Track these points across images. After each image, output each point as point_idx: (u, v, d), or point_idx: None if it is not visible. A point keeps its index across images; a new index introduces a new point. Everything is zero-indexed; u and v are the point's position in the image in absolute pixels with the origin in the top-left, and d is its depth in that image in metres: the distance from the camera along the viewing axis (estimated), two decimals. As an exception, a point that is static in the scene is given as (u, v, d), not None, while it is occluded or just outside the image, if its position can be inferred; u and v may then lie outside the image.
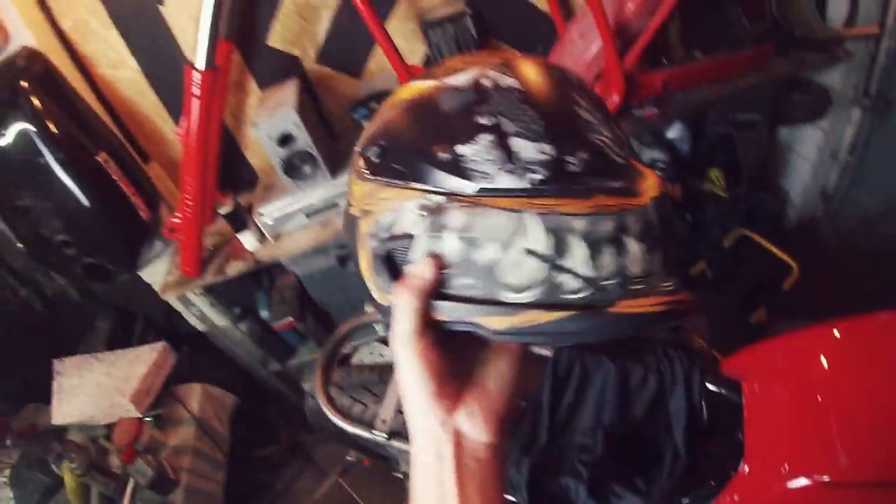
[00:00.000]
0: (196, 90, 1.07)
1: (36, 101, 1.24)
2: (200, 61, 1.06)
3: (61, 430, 1.56)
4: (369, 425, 1.01)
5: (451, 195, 0.39)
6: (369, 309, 1.55)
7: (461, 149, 0.39)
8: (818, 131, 1.79)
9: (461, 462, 0.40)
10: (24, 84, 1.24)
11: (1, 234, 1.56)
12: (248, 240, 1.31)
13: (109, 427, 1.56)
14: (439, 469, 0.40)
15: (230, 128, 1.45)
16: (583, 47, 1.20)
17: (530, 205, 0.37)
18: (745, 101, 1.57)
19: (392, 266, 0.42)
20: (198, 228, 1.25)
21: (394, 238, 0.42)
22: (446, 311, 0.40)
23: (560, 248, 0.37)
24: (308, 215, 1.36)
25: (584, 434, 0.98)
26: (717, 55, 1.32)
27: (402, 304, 0.40)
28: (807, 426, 0.83)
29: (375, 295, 0.45)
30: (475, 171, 0.39)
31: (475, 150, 0.39)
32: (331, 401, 0.99)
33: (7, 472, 1.54)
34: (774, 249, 1.63)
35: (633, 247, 0.38)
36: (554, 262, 0.37)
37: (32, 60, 1.27)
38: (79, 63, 1.35)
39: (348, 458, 1.69)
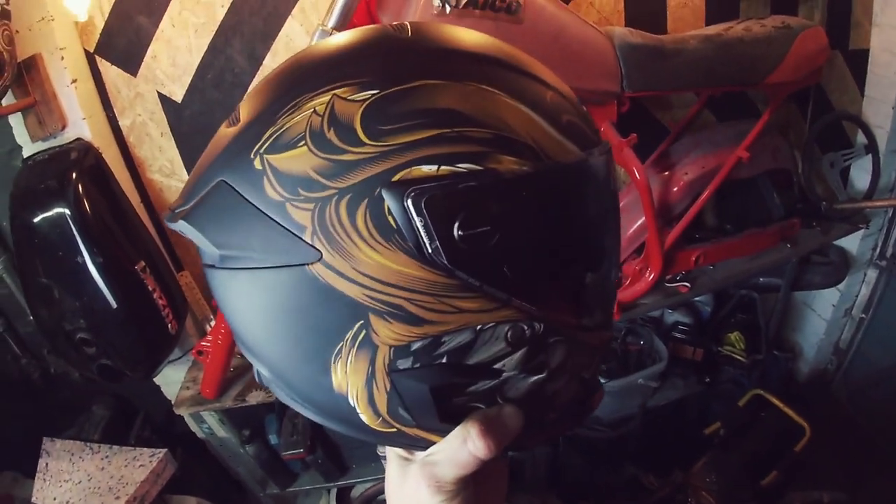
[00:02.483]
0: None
1: (83, 196, 1.24)
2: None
3: (41, 512, 1.49)
4: None
5: (553, 324, 0.31)
6: (382, 452, 1.51)
7: (589, 277, 0.33)
8: (834, 290, 1.84)
9: None
10: (74, 176, 1.26)
11: (13, 298, 1.55)
12: (275, 372, 1.29)
13: (93, 523, 1.49)
14: None
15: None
16: (625, 221, 1.25)
17: (601, 340, 0.35)
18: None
19: (443, 399, 0.31)
20: (227, 356, 1.24)
21: (466, 370, 0.30)
22: None
23: (595, 371, 0.37)
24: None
25: None
26: (748, 231, 1.38)
27: (474, 457, 0.31)
28: None
29: (368, 420, 0.32)
30: (588, 306, 0.33)
31: (596, 281, 0.33)
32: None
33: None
34: (788, 411, 1.63)
35: None
36: (585, 382, 0.36)
37: (85, 154, 1.29)
38: (130, 163, 1.38)
39: None
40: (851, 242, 1.74)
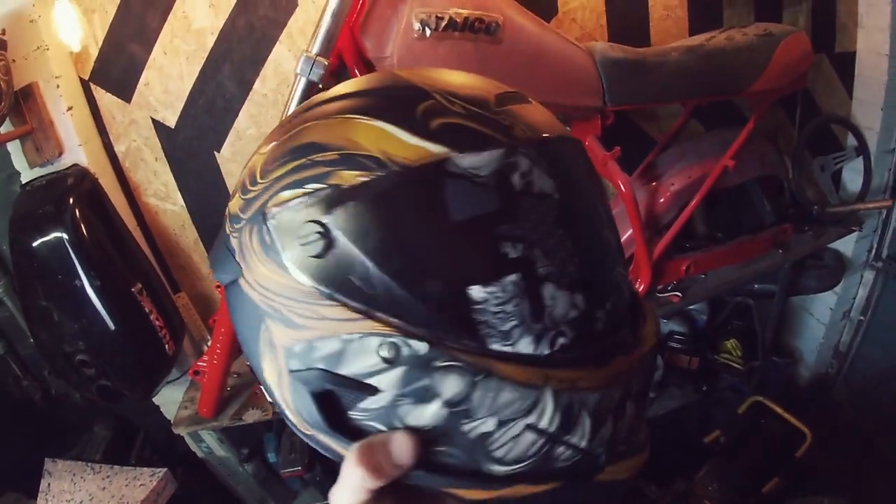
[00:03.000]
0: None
1: (80, 220, 1.27)
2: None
3: (44, 533, 1.50)
4: None
5: (444, 347, 0.29)
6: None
7: (476, 291, 0.29)
8: (831, 293, 1.83)
9: None
10: (71, 201, 1.28)
11: (13, 320, 1.57)
12: (270, 391, 1.30)
13: (95, 544, 1.50)
14: None
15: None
16: (613, 233, 1.26)
17: (548, 378, 0.29)
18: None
19: (331, 407, 0.31)
20: (222, 375, 1.25)
21: (340, 380, 0.30)
22: (416, 479, 0.31)
23: (567, 424, 0.30)
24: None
25: None
26: (739, 239, 1.38)
27: (357, 485, 0.30)
28: None
29: (292, 418, 0.35)
30: (491, 327, 0.29)
31: (496, 297, 0.28)
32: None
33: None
34: (788, 417, 1.63)
35: (630, 410, 0.33)
36: (556, 438, 0.30)
37: (82, 179, 1.31)
38: (126, 188, 1.40)
39: None
40: (846, 245, 1.73)
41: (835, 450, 1.77)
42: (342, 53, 1.05)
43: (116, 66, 1.28)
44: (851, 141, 1.65)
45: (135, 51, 1.27)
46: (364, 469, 0.29)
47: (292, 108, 1.01)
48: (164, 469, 1.52)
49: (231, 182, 1.36)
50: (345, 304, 0.30)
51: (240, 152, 1.32)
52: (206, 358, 1.26)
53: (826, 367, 1.97)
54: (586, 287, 0.30)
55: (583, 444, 0.31)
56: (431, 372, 0.29)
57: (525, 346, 0.29)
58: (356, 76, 1.07)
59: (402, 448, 0.30)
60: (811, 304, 1.89)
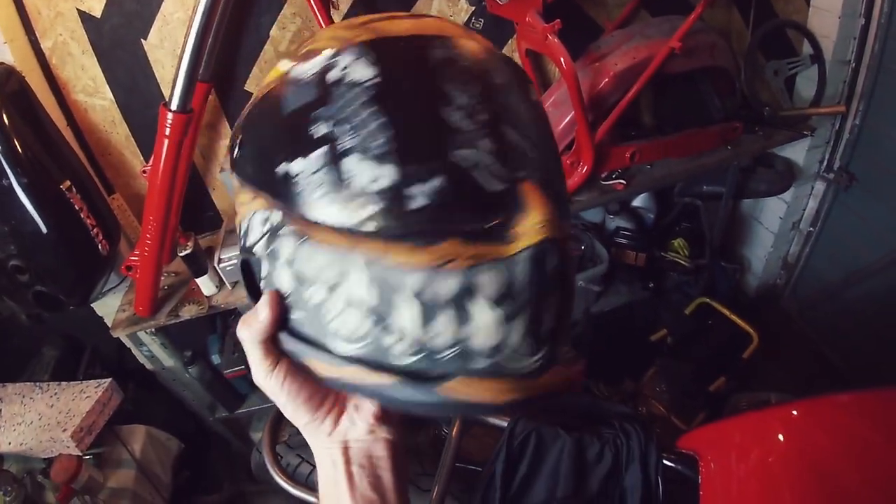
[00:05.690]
0: (167, 131, 1.06)
1: (6, 119, 1.21)
2: (175, 103, 1.05)
3: (-2, 458, 1.48)
4: (314, 488, 0.97)
5: (290, 215, 0.34)
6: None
7: (294, 165, 0.33)
8: (781, 203, 1.86)
9: (350, 463, 0.40)
10: (-3, 100, 1.21)
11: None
12: (205, 284, 1.28)
13: (47, 462, 1.48)
14: (334, 472, 0.40)
15: (199, 167, 1.43)
16: (556, 116, 1.24)
17: (357, 244, 0.31)
18: (711, 173, 1.62)
19: (248, 276, 0.39)
20: (155, 269, 1.21)
21: (246, 250, 0.38)
22: (286, 344, 0.36)
23: (386, 305, 0.31)
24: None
25: (537, 508, 0.97)
26: (686, 131, 1.37)
27: (247, 344, 0.37)
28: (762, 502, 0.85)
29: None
30: (304, 195, 0.33)
31: (306, 169, 0.33)
32: (277, 460, 0.95)
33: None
34: (735, 318, 1.66)
35: (482, 314, 0.31)
36: (379, 319, 0.31)
37: (8, 77, 1.24)
38: (54, 85, 1.33)
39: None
40: (798, 153, 1.74)
41: (782, 356, 1.82)
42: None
43: (40, -44, 1.20)
44: (807, 48, 1.64)
45: (57, -65, 1.18)
46: (246, 330, 0.37)
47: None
48: (109, 379, 1.50)
49: (159, 70, 1.29)
50: (245, 187, 0.38)
51: (167, 38, 1.25)
52: (136, 251, 1.21)
53: (775, 278, 2.01)
54: (401, 160, 0.31)
55: (417, 334, 0.31)
56: (278, 237, 0.35)
57: (335, 213, 0.32)
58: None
59: (263, 307, 0.36)
60: (761, 213, 1.90)
